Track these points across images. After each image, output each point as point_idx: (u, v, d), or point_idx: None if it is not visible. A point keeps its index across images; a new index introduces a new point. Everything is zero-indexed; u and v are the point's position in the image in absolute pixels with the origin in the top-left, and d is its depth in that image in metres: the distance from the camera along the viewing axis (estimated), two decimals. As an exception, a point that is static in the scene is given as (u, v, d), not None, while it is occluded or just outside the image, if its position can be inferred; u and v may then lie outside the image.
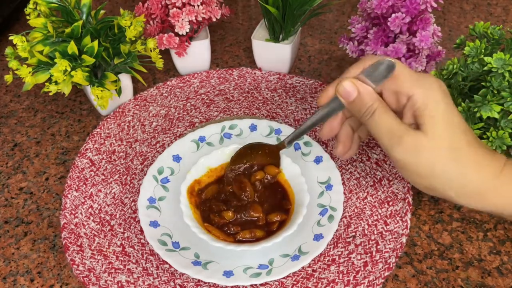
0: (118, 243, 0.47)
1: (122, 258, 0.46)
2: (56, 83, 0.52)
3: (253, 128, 0.57)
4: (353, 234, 0.47)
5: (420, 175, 0.39)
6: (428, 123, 0.37)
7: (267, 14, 0.61)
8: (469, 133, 0.38)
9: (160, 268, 0.45)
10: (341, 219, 0.48)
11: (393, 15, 0.52)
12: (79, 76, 0.52)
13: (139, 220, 0.48)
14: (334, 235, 0.47)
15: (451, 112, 0.38)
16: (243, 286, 0.43)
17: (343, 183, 0.51)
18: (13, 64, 0.53)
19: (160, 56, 0.60)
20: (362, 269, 0.44)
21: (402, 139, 0.38)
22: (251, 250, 0.43)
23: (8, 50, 0.54)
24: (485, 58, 0.44)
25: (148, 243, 0.47)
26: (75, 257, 0.46)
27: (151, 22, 0.63)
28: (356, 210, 0.49)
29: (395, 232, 0.46)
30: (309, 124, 0.44)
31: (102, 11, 0.58)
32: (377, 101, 0.39)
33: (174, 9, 0.60)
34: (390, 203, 0.49)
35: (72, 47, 0.52)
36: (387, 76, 0.39)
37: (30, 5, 0.54)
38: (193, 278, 0.44)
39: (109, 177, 0.53)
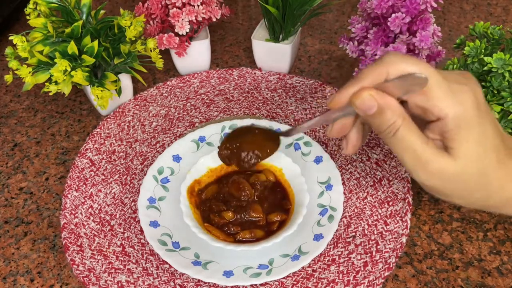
0: (118, 243, 0.47)
1: (122, 258, 0.46)
2: (56, 83, 0.52)
3: (253, 128, 0.57)
4: (353, 234, 0.47)
5: (443, 194, 0.37)
6: (459, 149, 0.34)
7: (267, 14, 0.61)
8: (501, 148, 0.36)
9: (160, 268, 0.45)
10: (341, 219, 0.48)
11: (393, 15, 0.52)
12: (79, 76, 0.52)
13: (139, 220, 0.48)
14: (334, 235, 0.47)
15: (484, 131, 0.35)
16: (243, 286, 0.43)
17: (343, 183, 0.51)
18: (13, 64, 0.53)
19: (160, 56, 0.60)
20: (362, 269, 0.44)
21: (428, 165, 0.35)
22: (251, 250, 0.43)
23: (8, 50, 0.54)
24: (485, 58, 0.44)
25: (148, 243, 0.47)
26: (75, 257, 0.46)
27: (151, 22, 0.63)
28: (356, 210, 0.49)
29: (395, 232, 0.46)
30: (317, 121, 0.39)
31: (102, 11, 0.58)
32: (400, 118, 0.34)
33: (174, 9, 0.60)
34: (390, 203, 0.49)
35: (72, 47, 0.52)
36: (415, 91, 0.34)
37: (30, 5, 0.54)
38: (193, 278, 0.44)
39: (109, 177, 0.53)
